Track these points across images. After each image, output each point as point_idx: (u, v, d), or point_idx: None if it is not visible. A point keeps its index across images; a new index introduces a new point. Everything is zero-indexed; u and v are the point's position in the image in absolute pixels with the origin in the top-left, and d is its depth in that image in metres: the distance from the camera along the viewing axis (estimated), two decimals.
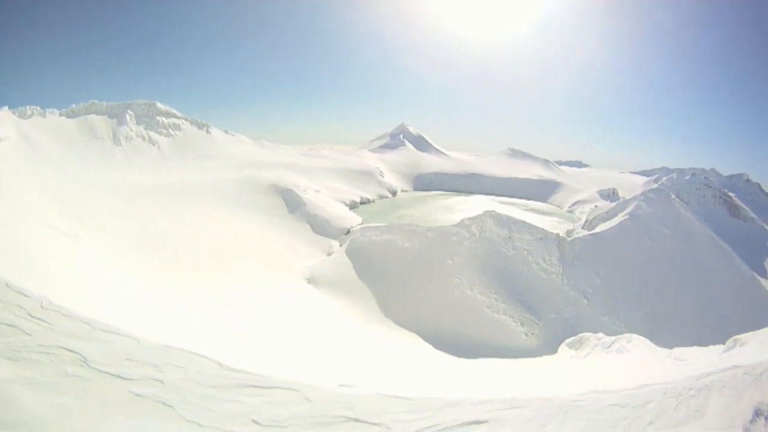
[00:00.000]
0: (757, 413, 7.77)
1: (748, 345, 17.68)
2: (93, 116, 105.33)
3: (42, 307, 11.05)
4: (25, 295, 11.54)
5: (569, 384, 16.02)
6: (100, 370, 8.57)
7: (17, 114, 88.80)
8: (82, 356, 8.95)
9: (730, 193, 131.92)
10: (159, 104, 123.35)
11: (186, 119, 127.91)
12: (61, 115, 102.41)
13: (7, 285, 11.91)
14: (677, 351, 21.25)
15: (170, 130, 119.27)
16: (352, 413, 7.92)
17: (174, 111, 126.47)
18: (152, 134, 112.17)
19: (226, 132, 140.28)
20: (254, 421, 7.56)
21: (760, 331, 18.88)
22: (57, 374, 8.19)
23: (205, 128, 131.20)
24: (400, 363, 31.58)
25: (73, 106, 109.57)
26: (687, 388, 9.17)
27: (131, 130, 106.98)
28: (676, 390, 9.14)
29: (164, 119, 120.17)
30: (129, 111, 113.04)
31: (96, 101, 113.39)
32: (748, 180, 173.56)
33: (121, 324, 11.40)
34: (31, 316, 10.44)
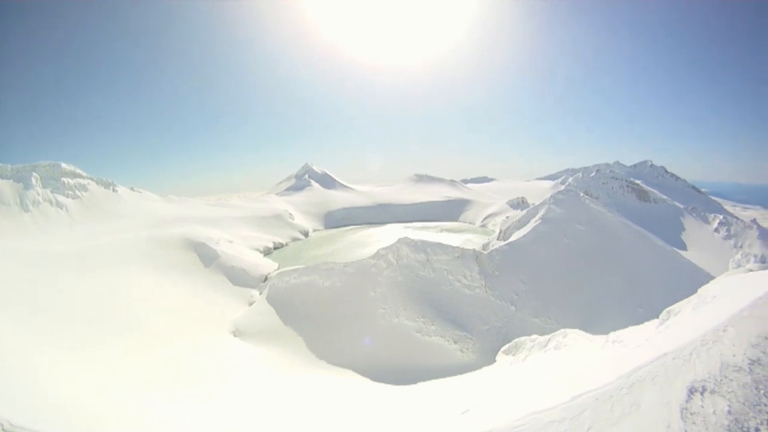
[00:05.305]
0: (692, 391, 8.17)
1: (682, 312, 18.56)
2: None
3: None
4: None
5: (511, 397, 15.90)
6: None
7: None
8: None
9: (637, 181, 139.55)
10: (64, 165, 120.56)
11: (91, 179, 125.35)
12: None
13: None
14: (614, 335, 21.78)
15: (77, 191, 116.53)
16: None
17: (79, 171, 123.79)
18: (59, 197, 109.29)
19: (132, 189, 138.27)
20: None
21: (690, 298, 19.73)
22: None
23: (111, 187, 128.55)
24: (337, 406, 30.91)
25: None
26: (618, 388, 9.46)
27: (38, 194, 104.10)
28: (608, 393, 9.41)
29: (70, 180, 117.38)
30: (34, 174, 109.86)
31: (0, 164, 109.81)
32: (652, 165, 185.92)
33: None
34: None
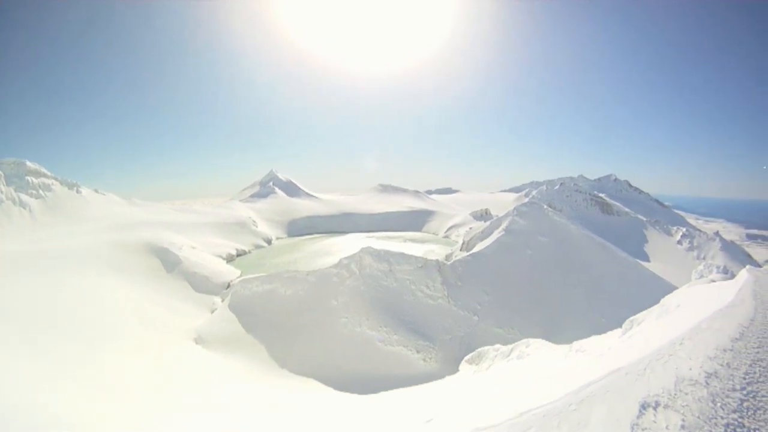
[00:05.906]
0: (644, 407, 7.87)
1: (645, 322, 18.65)
2: None
3: None
4: None
5: (465, 410, 15.45)
6: None
7: None
8: None
9: (601, 194, 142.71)
10: (29, 163, 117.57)
11: (56, 179, 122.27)
12: None
13: None
14: (577, 344, 21.76)
15: (40, 191, 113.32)
16: None
17: (44, 170, 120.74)
18: (23, 196, 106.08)
19: (96, 191, 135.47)
20: None
21: (654, 307, 19.89)
22: None
23: (75, 188, 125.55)
24: (300, 416, 30.32)
25: None
26: (567, 404, 8.97)
27: (1, 192, 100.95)
28: (556, 409, 8.92)
29: (34, 179, 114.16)
30: None
31: None
32: (616, 179, 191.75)
33: None
34: None
